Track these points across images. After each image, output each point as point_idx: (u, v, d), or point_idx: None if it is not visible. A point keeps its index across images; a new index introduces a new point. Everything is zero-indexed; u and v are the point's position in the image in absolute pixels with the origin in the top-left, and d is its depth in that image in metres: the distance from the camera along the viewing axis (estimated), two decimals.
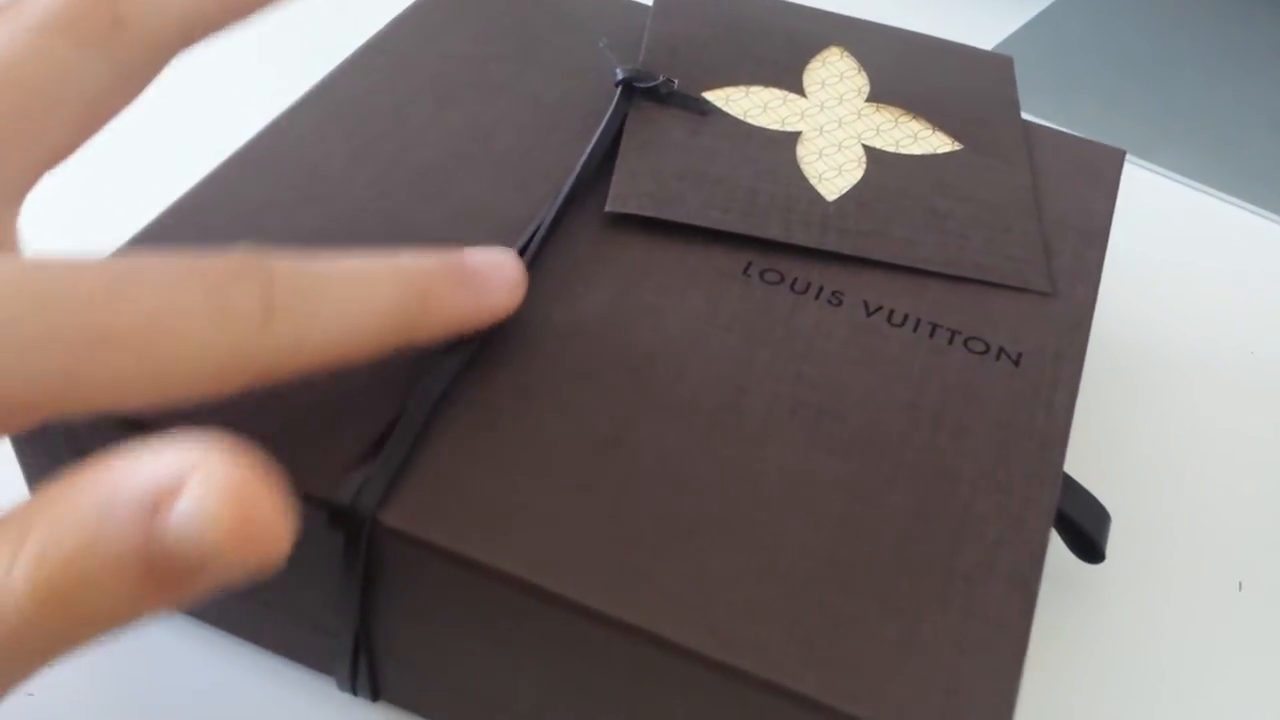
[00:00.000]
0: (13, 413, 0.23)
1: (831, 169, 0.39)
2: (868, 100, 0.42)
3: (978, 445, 0.32)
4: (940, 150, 0.40)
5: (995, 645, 0.27)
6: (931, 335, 0.34)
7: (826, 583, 0.28)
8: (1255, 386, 0.46)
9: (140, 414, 0.29)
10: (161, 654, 0.35)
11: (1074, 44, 0.64)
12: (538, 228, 0.35)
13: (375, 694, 0.34)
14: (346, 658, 0.32)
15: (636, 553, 0.28)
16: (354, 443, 0.30)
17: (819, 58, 0.43)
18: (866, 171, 0.39)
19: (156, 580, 0.20)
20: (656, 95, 0.40)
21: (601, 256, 0.35)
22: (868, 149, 0.40)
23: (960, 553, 0.29)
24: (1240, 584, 0.40)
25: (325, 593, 0.31)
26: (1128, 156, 0.57)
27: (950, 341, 0.34)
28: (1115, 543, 0.40)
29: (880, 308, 0.35)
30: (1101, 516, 0.36)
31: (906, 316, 0.35)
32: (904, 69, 0.44)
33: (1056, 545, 0.40)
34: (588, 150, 0.37)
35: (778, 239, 0.36)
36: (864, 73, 0.43)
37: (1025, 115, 0.44)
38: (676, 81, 0.40)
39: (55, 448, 0.32)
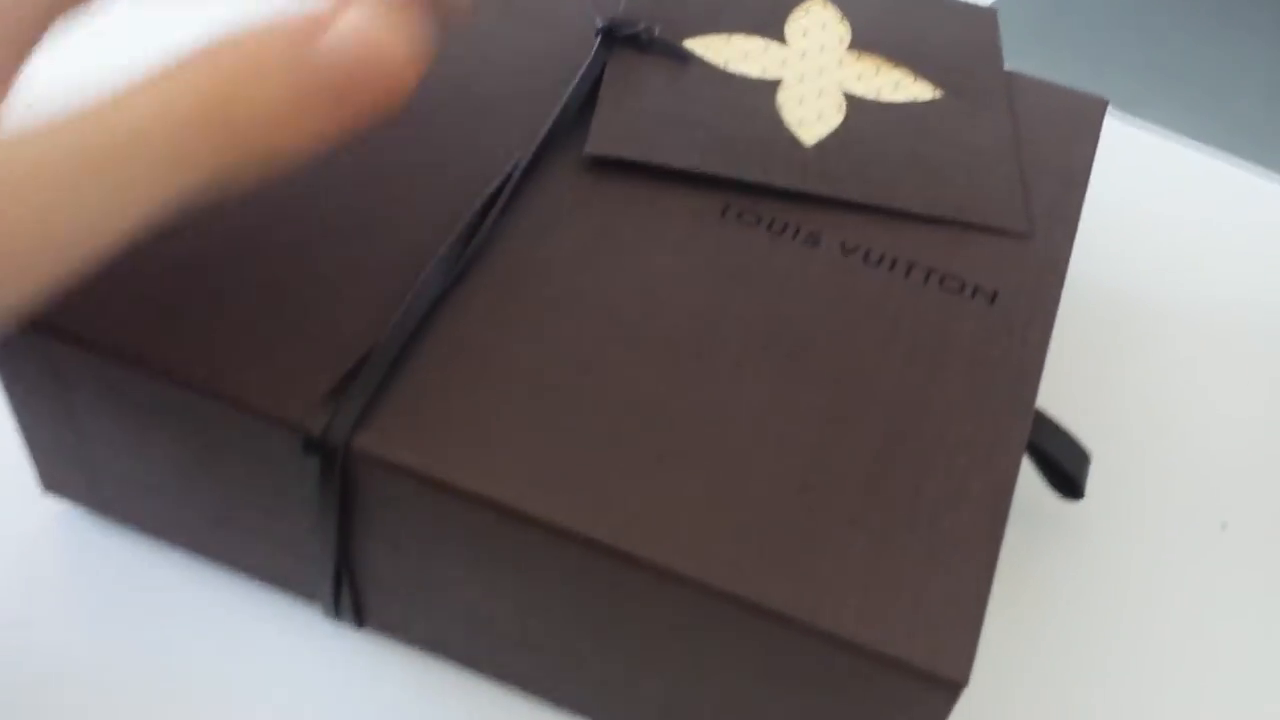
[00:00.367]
0: None
1: (811, 115, 0.39)
2: (849, 49, 0.42)
3: (950, 378, 0.32)
4: (921, 98, 0.41)
5: (963, 565, 0.27)
6: (907, 274, 0.35)
7: (796, 504, 0.28)
8: (1236, 331, 0.46)
9: (123, 345, 0.30)
10: (150, 584, 0.35)
11: (1062, 1, 0.64)
12: (514, 168, 0.35)
13: (360, 620, 0.34)
14: (329, 584, 0.33)
15: (609, 475, 0.29)
16: (330, 370, 0.30)
17: (801, 7, 0.43)
18: (847, 118, 0.39)
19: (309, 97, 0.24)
20: (637, 43, 0.40)
21: (580, 198, 0.35)
22: (848, 96, 0.40)
23: (930, 478, 0.29)
24: (1224, 524, 0.40)
25: (305, 520, 0.31)
26: (1115, 112, 0.57)
27: (926, 280, 0.34)
28: (1096, 484, 0.41)
29: (857, 248, 0.35)
30: (1081, 456, 0.37)
31: (883, 256, 0.35)
32: (886, 19, 0.44)
33: (1038, 486, 0.40)
34: (566, 95, 0.38)
35: (757, 181, 0.36)
36: (846, 22, 0.43)
37: (1012, 70, 0.45)
38: (657, 29, 0.41)
39: (42, 380, 0.32)
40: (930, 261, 0.35)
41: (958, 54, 0.43)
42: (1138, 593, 0.38)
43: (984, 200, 0.37)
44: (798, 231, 0.35)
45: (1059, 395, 0.43)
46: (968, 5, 0.46)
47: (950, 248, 0.36)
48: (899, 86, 0.41)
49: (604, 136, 0.37)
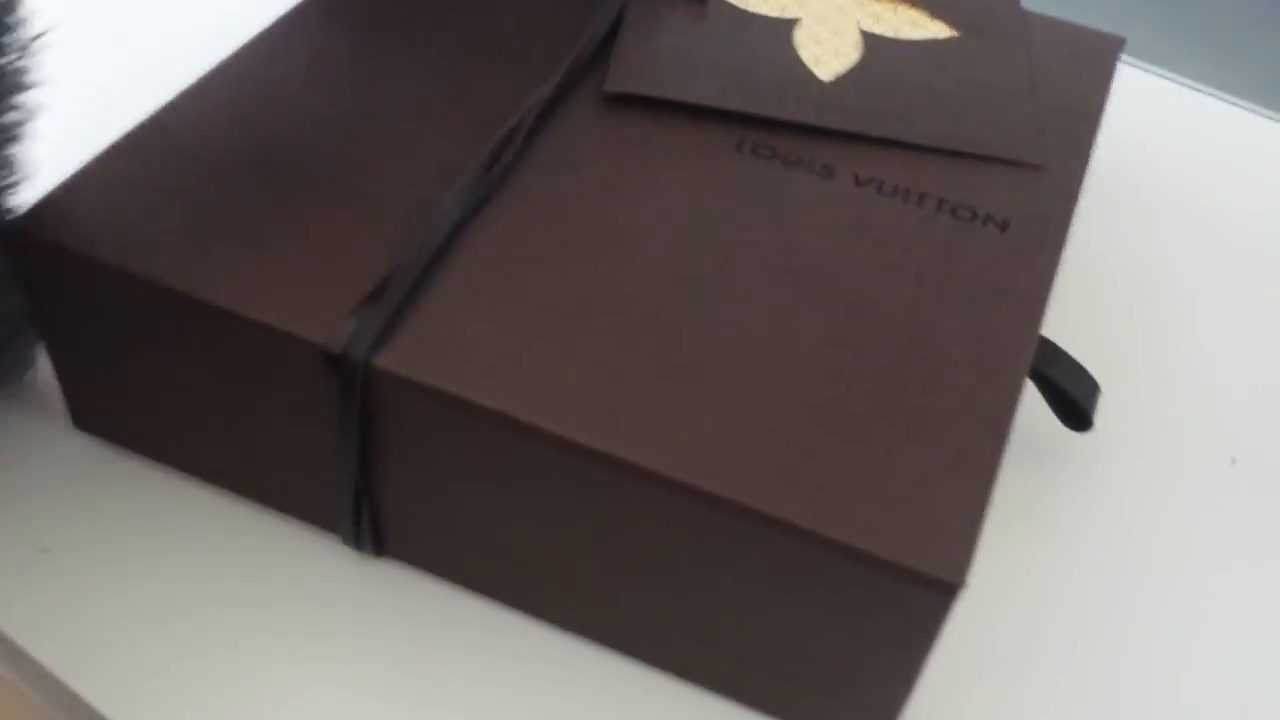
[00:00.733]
0: None
1: (829, 53, 0.40)
2: None
3: (959, 302, 0.32)
4: (939, 36, 0.41)
5: (964, 478, 0.28)
6: (920, 204, 0.35)
7: (803, 420, 0.29)
8: (1247, 270, 0.47)
9: (147, 269, 0.31)
10: (174, 518, 0.36)
11: None
12: (536, 102, 0.36)
13: (379, 548, 0.35)
14: (349, 510, 0.33)
15: (622, 394, 0.29)
16: (354, 290, 0.31)
17: None
18: (864, 55, 0.40)
19: None
20: None
21: (600, 134, 0.36)
22: (865, 34, 0.41)
23: (935, 396, 0.30)
24: (1233, 459, 0.40)
25: (327, 442, 0.32)
26: (1133, 60, 0.57)
27: (938, 209, 0.35)
28: (1106, 418, 0.41)
29: (870, 180, 0.36)
30: (1090, 386, 0.37)
31: (896, 188, 0.36)
32: None
33: (1048, 420, 0.40)
34: (588, 33, 0.38)
35: (775, 116, 0.37)
36: None
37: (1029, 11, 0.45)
38: None
39: (71, 310, 0.33)
40: (942, 192, 0.36)
41: None
42: (1145, 523, 0.38)
43: (999, 133, 0.37)
44: (812, 165, 0.36)
45: (1071, 329, 0.44)
46: None
47: (963, 179, 0.36)
48: (916, 25, 0.41)
49: (624, 74, 0.37)
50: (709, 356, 0.30)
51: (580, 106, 0.37)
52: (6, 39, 0.31)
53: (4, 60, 0.31)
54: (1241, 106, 0.54)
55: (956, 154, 0.37)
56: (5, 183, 0.33)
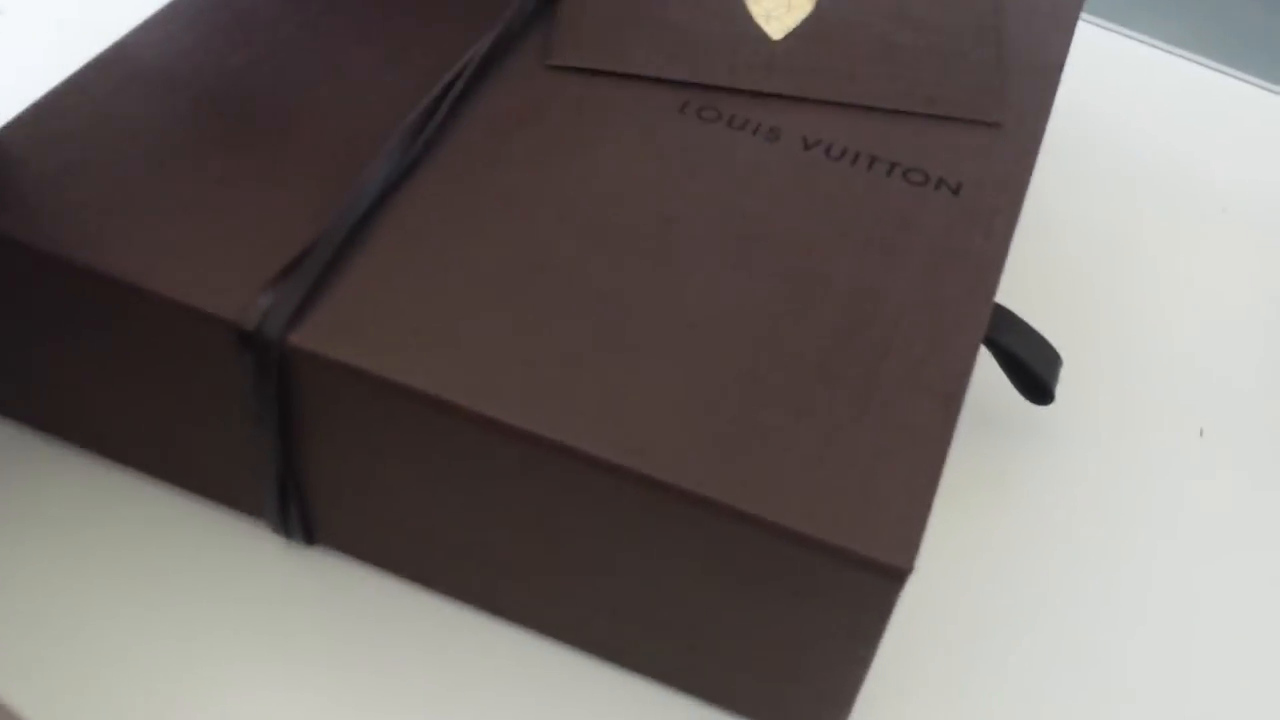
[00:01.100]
0: None
1: (780, 6, 0.38)
2: None
3: (909, 269, 0.31)
4: None
5: (912, 454, 0.27)
6: (870, 168, 0.34)
7: (745, 396, 0.28)
8: (1213, 235, 0.45)
9: (52, 244, 0.29)
10: (94, 503, 0.34)
11: None
12: (466, 64, 0.34)
13: (309, 536, 0.33)
14: (275, 496, 0.32)
15: (553, 370, 0.28)
16: (270, 264, 0.29)
17: None
18: (818, 6, 0.38)
19: None
20: None
21: (537, 96, 0.34)
22: None
23: (883, 366, 0.28)
24: (1201, 430, 0.39)
25: (246, 425, 0.30)
26: (1093, 18, 0.55)
27: (889, 173, 0.33)
28: (1068, 390, 0.40)
29: (819, 142, 0.34)
30: (1051, 357, 0.36)
31: (845, 150, 0.34)
32: None
33: (1008, 393, 0.39)
34: None
35: (723, 85, 0.35)
36: None
37: None
38: None
39: None
40: (893, 155, 0.34)
41: None
42: (1112, 499, 0.37)
43: (958, 90, 0.36)
44: (758, 127, 0.34)
45: (1032, 298, 0.42)
46: None
47: (915, 141, 0.34)
48: None
49: (566, 46, 0.36)
50: (647, 329, 0.29)
51: (517, 67, 0.35)
52: None
53: None
54: (1205, 65, 0.53)
55: (910, 113, 0.35)
56: None
